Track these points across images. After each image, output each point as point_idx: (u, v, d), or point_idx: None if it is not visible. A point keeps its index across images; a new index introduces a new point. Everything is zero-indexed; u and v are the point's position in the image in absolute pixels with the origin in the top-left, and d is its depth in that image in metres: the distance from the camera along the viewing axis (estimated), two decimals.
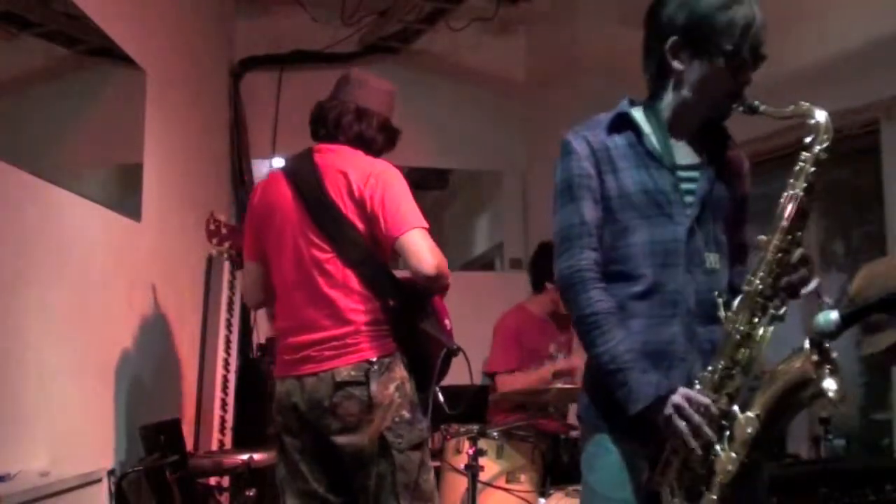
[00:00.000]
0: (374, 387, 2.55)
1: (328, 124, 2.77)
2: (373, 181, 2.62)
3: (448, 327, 2.83)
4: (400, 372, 2.62)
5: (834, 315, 1.75)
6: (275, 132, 5.54)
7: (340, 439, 2.58)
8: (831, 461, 3.20)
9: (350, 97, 2.79)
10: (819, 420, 3.31)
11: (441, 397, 2.77)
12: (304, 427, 2.64)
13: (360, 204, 2.62)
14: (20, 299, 2.73)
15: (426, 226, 2.61)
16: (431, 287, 2.64)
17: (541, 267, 4.21)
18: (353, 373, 2.57)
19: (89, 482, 2.72)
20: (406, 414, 2.60)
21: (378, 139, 2.79)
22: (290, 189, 2.71)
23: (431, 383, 2.68)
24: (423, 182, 6.35)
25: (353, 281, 2.62)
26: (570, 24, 5.55)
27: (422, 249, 2.56)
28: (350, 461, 2.61)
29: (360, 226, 2.62)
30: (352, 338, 2.60)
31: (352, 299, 2.61)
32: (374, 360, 2.58)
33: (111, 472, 2.97)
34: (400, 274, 2.68)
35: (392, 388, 2.59)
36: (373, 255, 2.64)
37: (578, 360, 3.79)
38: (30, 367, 2.77)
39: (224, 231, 3.53)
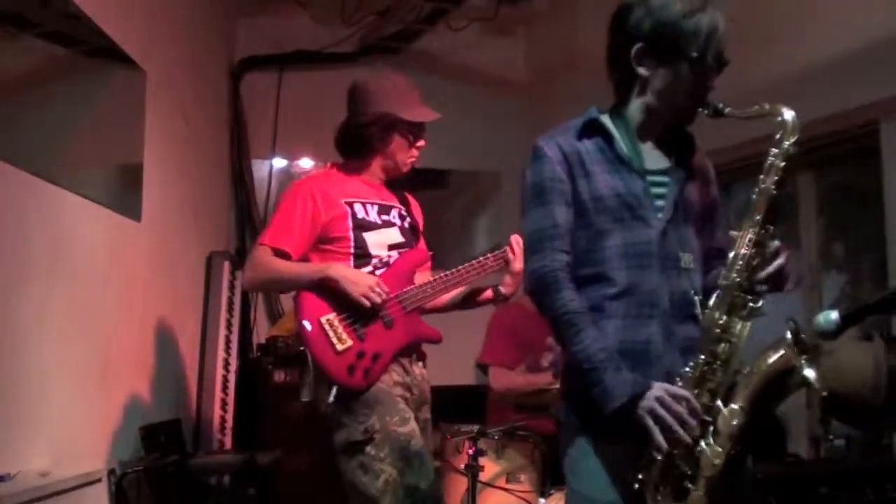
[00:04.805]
0: None
1: None
2: None
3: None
4: None
5: (834, 315, 1.75)
6: (275, 132, 5.53)
7: None
8: (831, 461, 3.20)
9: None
10: (819, 420, 3.30)
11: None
12: None
13: None
14: (20, 299, 2.73)
15: (260, 241, 2.83)
16: None
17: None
18: None
19: (89, 482, 2.73)
20: None
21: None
22: None
23: None
24: (422, 182, 6.32)
25: None
26: (570, 25, 5.53)
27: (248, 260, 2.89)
28: None
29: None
30: None
31: None
32: None
33: (111, 472, 2.97)
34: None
35: None
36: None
37: None
38: (30, 367, 2.77)
39: None
